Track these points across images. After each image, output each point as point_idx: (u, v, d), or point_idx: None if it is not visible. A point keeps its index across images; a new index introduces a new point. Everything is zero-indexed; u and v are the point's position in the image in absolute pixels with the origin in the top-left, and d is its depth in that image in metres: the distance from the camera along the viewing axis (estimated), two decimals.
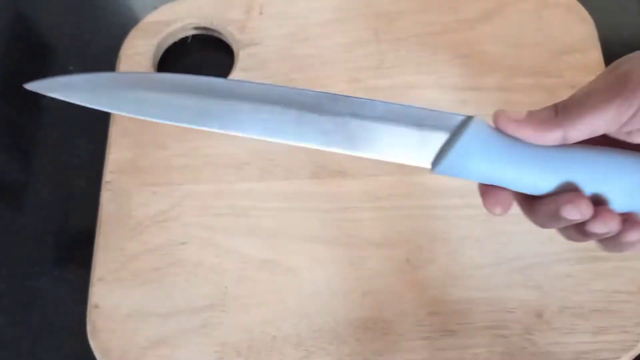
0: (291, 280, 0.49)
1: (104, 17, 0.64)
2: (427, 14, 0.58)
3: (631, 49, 0.59)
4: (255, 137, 0.32)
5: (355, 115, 0.32)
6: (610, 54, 0.55)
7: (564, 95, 0.52)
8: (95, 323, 0.48)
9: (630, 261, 0.48)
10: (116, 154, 0.54)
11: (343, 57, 0.57)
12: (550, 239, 0.48)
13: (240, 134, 0.32)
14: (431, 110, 0.32)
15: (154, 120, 0.33)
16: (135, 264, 0.50)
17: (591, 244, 0.47)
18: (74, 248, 0.53)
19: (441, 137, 0.31)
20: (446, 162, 0.31)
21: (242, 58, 0.57)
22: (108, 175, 0.53)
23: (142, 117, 0.33)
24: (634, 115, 0.29)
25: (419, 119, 0.31)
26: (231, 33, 0.59)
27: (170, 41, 0.60)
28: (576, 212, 0.30)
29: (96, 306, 0.49)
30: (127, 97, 0.32)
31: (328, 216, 0.51)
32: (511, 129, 0.31)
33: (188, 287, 0.49)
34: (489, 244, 0.49)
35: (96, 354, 0.48)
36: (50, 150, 0.57)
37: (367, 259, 0.49)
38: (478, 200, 0.33)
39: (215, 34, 0.60)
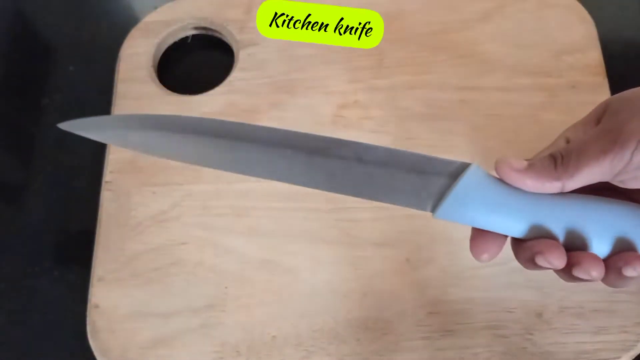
0: (291, 280, 0.49)
1: (104, 17, 0.64)
2: (427, 14, 0.58)
3: (631, 49, 0.60)
4: (264, 178, 0.34)
5: (360, 160, 0.33)
6: (610, 54, 0.55)
7: (564, 95, 0.52)
8: (95, 323, 0.48)
9: None
10: (116, 154, 0.54)
11: (343, 57, 0.57)
12: None
13: (250, 176, 0.35)
14: (430, 156, 0.33)
15: (174, 160, 0.36)
16: (135, 264, 0.50)
17: None
18: (74, 248, 0.53)
19: (440, 183, 0.33)
20: (445, 207, 0.33)
21: (242, 58, 0.57)
22: (108, 175, 0.53)
23: (160, 158, 0.35)
24: (625, 167, 0.32)
25: (418, 165, 0.33)
26: (231, 33, 0.59)
27: (170, 41, 0.60)
28: (544, 262, 0.32)
29: (96, 306, 0.49)
30: (150, 138, 0.35)
31: (328, 216, 0.51)
32: (513, 179, 0.33)
33: (188, 287, 0.49)
34: None
35: (96, 354, 0.48)
36: (50, 150, 0.57)
37: (367, 259, 0.49)
38: None
39: (215, 34, 0.60)
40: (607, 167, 0.32)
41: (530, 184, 0.32)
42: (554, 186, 0.32)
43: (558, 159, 0.33)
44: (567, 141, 0.35)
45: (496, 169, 0.33)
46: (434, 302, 0.47)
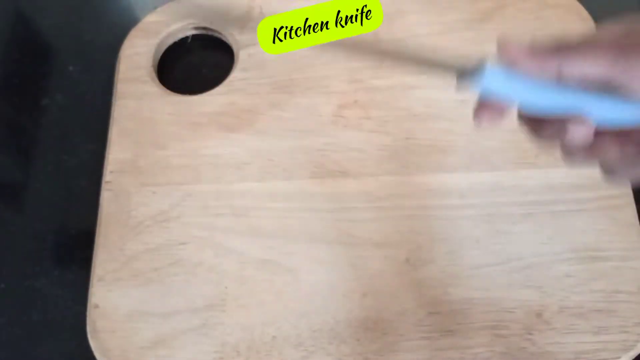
0: (291, 280, 0.49)
1: (104, 17, 0.64)
2: (427, 14, 0.58)
3: None
4: None
5: None
6: None
7: None
8: (95, 323, 0.48)
9: (630, 261, 0.48)
10: (116, 154, 0.54)
11: (343, 57, 0.56)
12: (550, 239, 0.48)
13: None
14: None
15: None
16: (135, 264, 0.50)
17: (592, 244, 0.47)
18: (74, 248, 0.53)
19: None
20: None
21: (242, 58, 0.57)
22: (108, 175, 0.53)
23: None
24: (629, 73, 0.32)
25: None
26: (231, 33, 0.59)
27: (170, 41, 0.60)
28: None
29: (96, 306, 0.49)
30: None
31: (328, 216, 0.51)
32: (512, 60, 0.33)
33: (188, 287, 0.49)
34: (489, 244, 0.49)
35: (96, 354, 0.48)
36: (50, 150, 0.57)
37: (367, 259, 0.49)
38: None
39: (215, 34, 0.60)
40: (608, 63, 0.32)
41: (528, 64, 0.33)
42: (550, 66, 0.32)
43: (562, 44, 0.32)
44: None
45: (498, 54, 0.33)
46: (434, 302, 0.47)
